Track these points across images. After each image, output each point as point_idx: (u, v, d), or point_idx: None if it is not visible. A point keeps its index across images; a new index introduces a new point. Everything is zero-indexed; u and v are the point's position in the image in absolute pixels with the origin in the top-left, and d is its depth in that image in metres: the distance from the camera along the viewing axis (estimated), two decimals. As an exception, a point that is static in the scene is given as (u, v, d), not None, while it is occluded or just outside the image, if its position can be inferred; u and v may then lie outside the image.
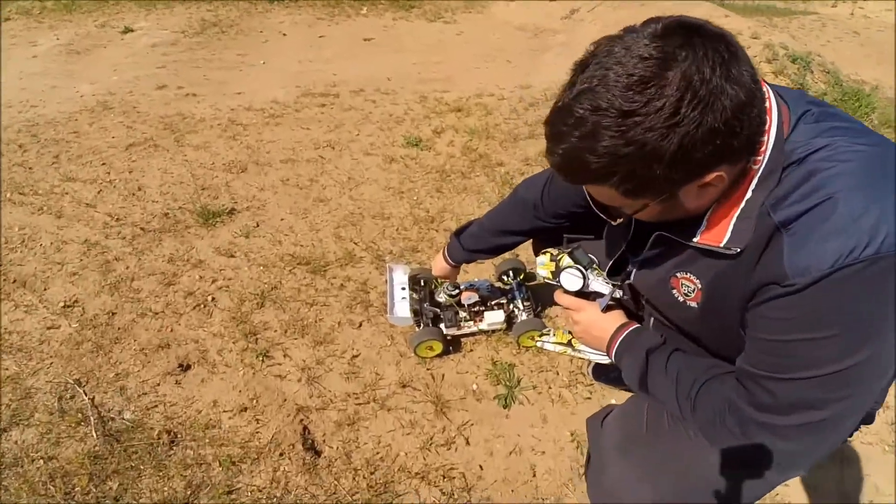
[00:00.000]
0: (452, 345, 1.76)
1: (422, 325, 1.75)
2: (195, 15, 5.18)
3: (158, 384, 1.69)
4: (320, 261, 2.13)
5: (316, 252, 2.18)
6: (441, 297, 1.81)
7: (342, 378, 1.69)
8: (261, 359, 1.74)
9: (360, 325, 1.88)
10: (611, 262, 1.13)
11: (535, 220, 1.37)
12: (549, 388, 1.68)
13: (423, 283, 1.84)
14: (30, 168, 2.78)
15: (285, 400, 1.63)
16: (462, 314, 1.77)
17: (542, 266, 1.23)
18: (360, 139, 3.01)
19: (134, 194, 2.56)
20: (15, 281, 2.04)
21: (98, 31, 4.89)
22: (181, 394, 1.66)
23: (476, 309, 1.78)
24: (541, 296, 1.94)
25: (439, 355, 1.74)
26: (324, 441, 1.52)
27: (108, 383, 1.68)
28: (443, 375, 1.71)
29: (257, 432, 1.54)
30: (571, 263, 1.18)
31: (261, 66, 4.25)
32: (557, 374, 1.73)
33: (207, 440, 1.52)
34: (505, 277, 1.93)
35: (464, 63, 4.19)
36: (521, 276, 1.92)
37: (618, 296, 1.14)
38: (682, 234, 0.84)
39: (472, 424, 1.57)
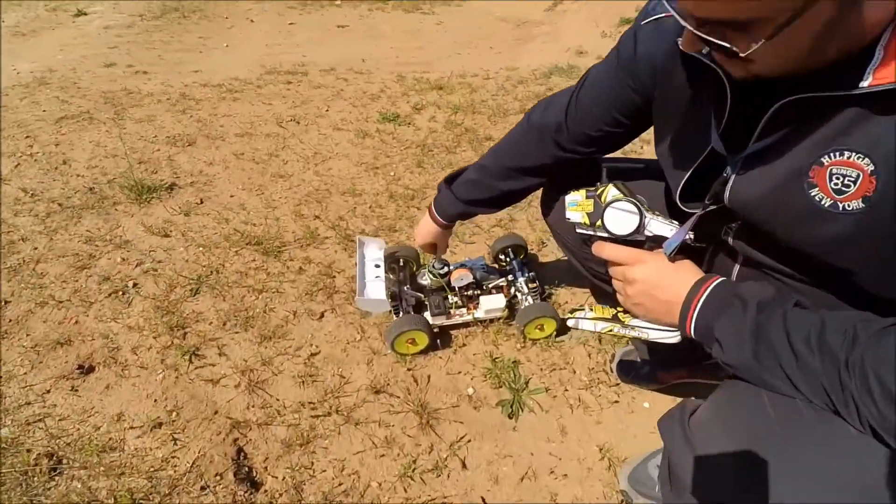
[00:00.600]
0: (440, 338, 1.34)
1: (401, 312, 1.32)
2: (156, 2, 4.70)
3: (48, 391, 1.21)
4: (275, 241, 1.69)
5: (270, 231, 1.74)
6: (425, 280, 1.38)
7: (295, 383, 1.25)
8: (187, 358, 1.28)
9: (322, 315, 1.44)
10: (680, 185, 0.75)
11: (555, 151, 0.98)
12: (566, 390, 1.27)
13: (401, 264, 1.42)
14: (-63, 140, 2.27)
15: (216, 412, 1.17)
16: (452, 299, 1.35)
17: (576, 207, 0.84)
18: (330, 115, 2.58)
19: (57, 168, 2.07)
20: None
21: (48, 14, 4.37)
22: (76, 404, 1.19)
23: (470, 293, 1.37)
24: (548, 275, 1.54)
25: (424, 351, 1.32)
26: (265, 468, 1.07)
27: None
28: (428, 377, 1.28)
29: (173, 456, 1.08)
30: (620, 195, 0.79)
31: (223, 48, 3.80)
32: (574, 371, 1.32)
33: (103, 468, 1.05)
34: (502, 257, 1.52)
35: (444, 49, 3.82)
36: (523, 256, 1.52)
37: (688, 238, 0.76)
38: (832, 85, 0.51)
39: (470, 441, 1.15)
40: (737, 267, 0.79)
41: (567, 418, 1.20)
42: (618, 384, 1.29)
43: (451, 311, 1.34)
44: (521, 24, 4.38)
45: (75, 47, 3.64)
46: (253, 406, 1.19)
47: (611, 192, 0.79)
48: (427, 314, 1.33)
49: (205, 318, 1.41)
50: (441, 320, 1.33)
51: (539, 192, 1.18)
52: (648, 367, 1.26)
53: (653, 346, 1.21)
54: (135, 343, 1.33)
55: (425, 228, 1.22)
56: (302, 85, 2.96)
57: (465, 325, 1.39)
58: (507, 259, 1.50)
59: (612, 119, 0.88)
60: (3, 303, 1.44)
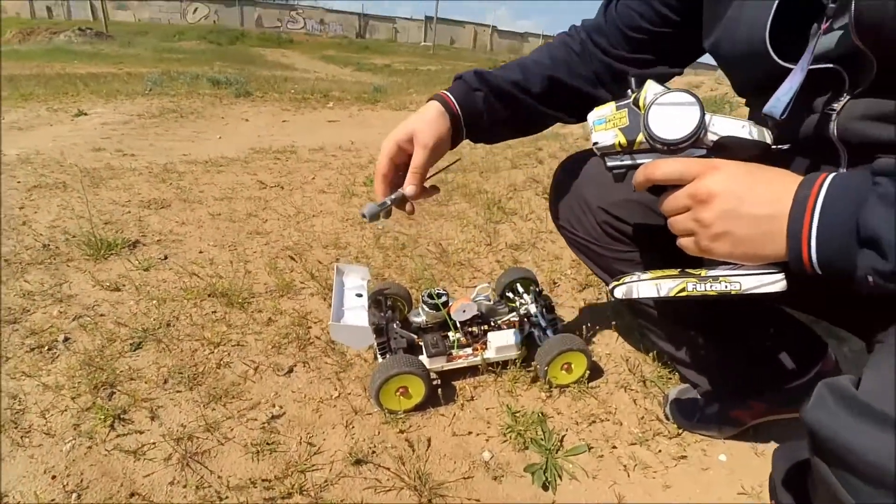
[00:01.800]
0: (441, 389, 1.02)
1: (388, 353, 1.01)
2: (156, 104, 4.81)
3: None
4: (243, 292, 1.40)
5: (238, 283, 1.45)
6: (419, 318, 1.09)
7: (246, 454, 0.89)
8: (109, 423, 0.93)
9: (291, 370, 1.11)
10: (769, 21, 0.54)
11: (594, 57, 0.79)
12: (614, 447, 0.93)
13: (389, 304, 1.14)
14: None
15: (132, 494, 0.80)
16: (454, 337, 1.05)
17: (603, 125, 0.60)
18: (316, 182, 2.43)
19: (15, 229, 1.81)
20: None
21: (49, 114, 4.40)
22: (-58, 490, 0.81)
23: (475, 329, 1.07)
24: (565, 319, 1.25)
25: (420, 406, 0.99)
26: (186, 581, 0.69)
27: None
28: (428, 441, 0.94)
29: (51, 569, 0.70)
30: (665, 89, 0.56)
31: (216, 140, 3.77)
32: (620, 423, 0.98)
33: None
34: (510, 295, 1.25)
35: (432, 134, 3.86)
36: (533, 291, 1.25)
37: (768, 140, 0.54)
38: None
39: (490, 524, 0.78)
40: (843, 165, 0.55)
41: (623, 484, 0.85)
42: (679, 433, 0.96)
43: (453, 351, 1.04)
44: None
45: (68, 138, 3.58)
46: (184, 485, 0.82)
47: (651, 88, 0.56)
48: (423, 357, 1.02)
49: (142, 374, 1.07)
50: (440, 363, 1.02)
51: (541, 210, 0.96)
52: (716, 404, 0.94)
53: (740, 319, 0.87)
54: (47, 404, 0.98)
55: (425, 118, 0.73)
56: (290, 161, 2.85)
57: (472, 370, 1.07)
58: (517, 295, 1.22)
59: (655, 13, 0.71)
60: None
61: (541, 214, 1.94)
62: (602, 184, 0.85)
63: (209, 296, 1.38)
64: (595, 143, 0.60)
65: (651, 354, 1.18)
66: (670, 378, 1.12)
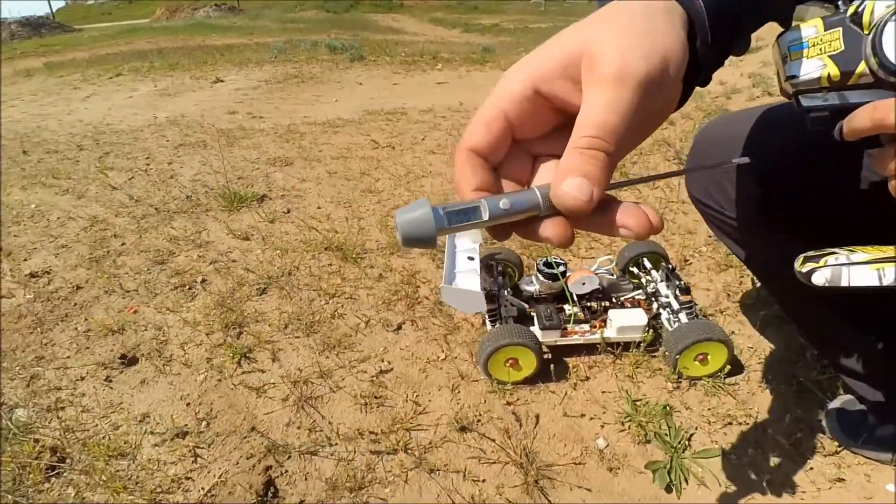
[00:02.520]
0: (553, 364, 0.95)
1: (499, 322, 0.96)
2: (280, 70, 5.15)
3: (82, 378, 1.00)
4: (356, 248, 1.43)
5: (352, 238, 1.49)
6: (532, 286, 1.02)
7: (355, 404, 0.91)
8: (236, 360, 1.01)
9: (400, 327, 1.11)
10: None
11: None
12: (753, 455, 0.79)
13: (500, 269, 1.08)
14: (76, 160, 2.43)
15: (252, 428, 0.86)
16: (571, 309, 0.97)
17: (805, 50, 0.44)
18: (426, 142, 2.42)
19: (164, 181, 2.06)
20: (0, 250, 1.53)
21: (192, 81, 4.93)
22: (105, 396, 0.96)
23: (594, 305, 0.98)
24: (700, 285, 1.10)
25: (530, 380, 0.93)
26: (300, 518, 0.73)
27: (22, 367, 1.04)
28: (537, 417, 0.88)
29: (187, 477, 0.78)
30: None
31: (333, 102, 3.95)
32: (764, 430, 0.84)
33: (105, 477, 0.78)
34: (634, 270, 1.12)
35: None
36: (662, 268, 1.10)
37: None
38: None
39: (606, 518, 0.72)
40: None
41: (762, 500, 0.72)
42: (838, 451, 0.79)
43: (569, 326, 0.95)
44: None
45: (207, 102, 3.98)
46: (299, 426, 0.86)
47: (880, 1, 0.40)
48: (535, 328, 0.95)
49: (266, 318, 1.14)
50: (554, 337, 0.95)
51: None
52: (891, 423, 0.76)
53: None
54: (186, 338, 1.09)
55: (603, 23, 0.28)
56: (400, 122, 2.87)
57: (588, 348, 0.98)
58: (643, 271, 1.09)
59: None
60: (76, 287, 1.32)
61: (671, 182, 1.73)
62: (762, 149, 0.69)
63: (326, 249, 1.43)
64: (790, 77, 0.44)
65: (808, 354, 0.99)
66: (831, 384, 0.93)
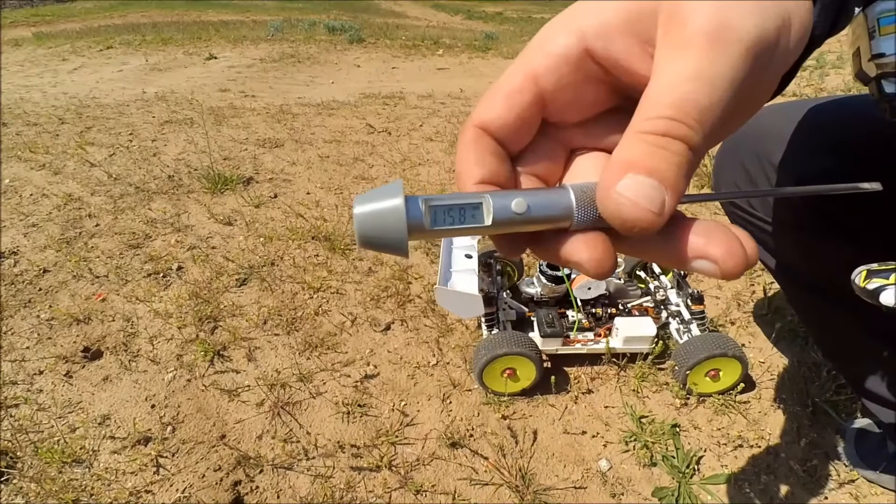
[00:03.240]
0: (553, 374, 0.87)
1: (496, 327, 0.88)
2: (276, 49, 4.99)
3: (40, 372, 0.92)
4: (346, 238, 1.35)
5: (342, 228, 1.41)
6: (532, 288, 0.95)
7: (336, 413, 0.83)
8: (209, 358, 0.93)
9: (388, 327, 1.03)
10: None
11: None
12: (764, 482, 0.73)
13: (499, 268, 1.00)
14: (56, 134, 2.30)
15: (222, 436, 0.78)
16: (575, 316, 0.89)
17: None
18: (424, 129, 2.32)
19: (147, 159, 1.95)
20: None
21: (185, 57, 4.77)
22: (64, 394, 0.87)
23: (600, 311, 0.90)
24: (710, 310, 1.03)
25: (528, 391, 0.86)
26: (268, 544, 0.65)
27: None
28: (535, 434, 0.81)
29: (147, 490, 0.70)
30: None
31: (329, 84, 3.82)
32: (776, 453, 0.77)
33: (57, 487, 0.70)
34: (641, 274, 1.04)
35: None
36: (672, 274, 1.03)
37: None
38: None
39: (608, 554, 0.65)
40: None
41: (786, 538, 0.66)
42: (855, 479, 0.73)
43: (572, 333, 0.88)
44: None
45: (199, 79, 3.84)
46: (273, 436, 0.78)
47: None
48: (534, 335, 0.88)
49: (244, 312, 1.06)
50: (555, 345, 0.87)
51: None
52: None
53: None
54: (155, 331, 1.00)
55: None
56: (398, 106, 2.77)
57: (591, 358, 0.91)
58: (651, 276, 1.02)
59: None
60: (43, 271, 1.23)
61: (677, 182, 1.65)
62: (804, 147, 0.61)
63: (313, 238, 1.34)
64: (878, 56, 0.37)
65: (825, 371, 0.92)
66: (847, 405, 0.87)
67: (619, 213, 0.16)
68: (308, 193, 1.66)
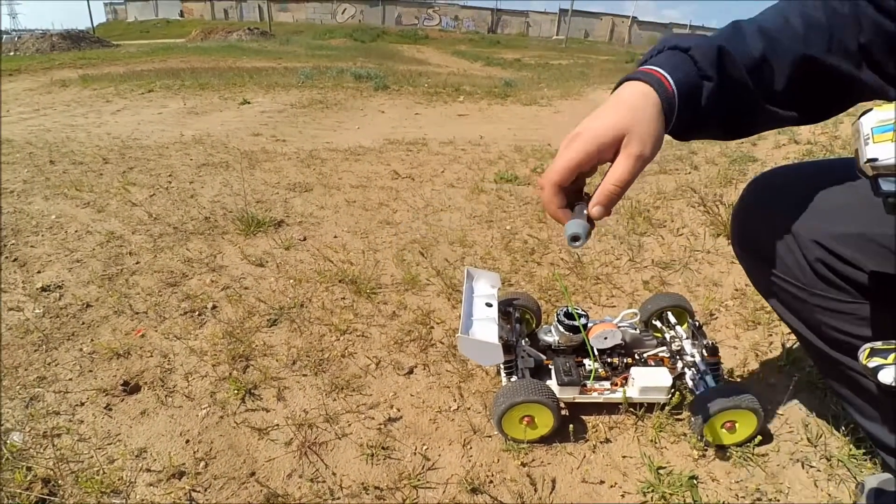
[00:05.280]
0: (571, 423, 0.90)
1: (514, 374, 0.92)
2: (306, 95, 5.27)
3: (82, 403, 0.98)
4: (371, 282, 1.41)
5: (367, 272, 1.47)
6: (550, 336, 0.98)
7: (361, 454, 0.87)
8: (240, 396, 0.98)
9: (411, 371, 1.08)
10: None
11: (866, 17, 0.51)
12: (791, 542, 0.74)
13: (517, 316, 1.05)
14: (100, 173, 2.47)
15: (252, 474, 0.82)
16: (591, 365, 0.92)
17: (891, 133, 0.42)
18: (445, 175, 2.42)
19: (185, 200, 2.08)
20: (16, 260, 1.58)
21: (220, 101, 5.06)
22: (103, 426, 0.93)
23: (616, 361, 0.93)
24: (725, 363, 1.05)
25: (546, 439, 0.88)
26: (296, 582, 0.68)
27: (23, 387, 1.02)
28: (553, 482, 0.83)
29: (181, 531, 0.74)
30: None
31: (355, 130, 4.01)
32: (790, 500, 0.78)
33: (96, 522, 0.74)
34: (657, 324, 1.08)
35: (563, 129, 3.65)
36: (687, 325, 1.06)
37: None
38: None
39: None
40: None
41: None
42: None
43: (588, 382, 0.91)
44: (644, 115, 4.16)
45: (233, 123, 4.07)
46: (301, 475, 0.82)
47: None
48: (552, 382, 0.91)
49: (274, 352, 1.12)
50: (572, 394, 0.90)
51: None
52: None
53: None
54: (191, 368, 1.07)
55: (631, 112, 0.51)
56: (421, 153, 2.89)
57: (608, 407, 0.93)
58: (667, 325, 1.05)
59: None
60: (86, 305, 1.31)
61: (695, 229, 1.69)
62: (821, 211, 0.65)
63: (340, 281, 1.41)
64: (872, 160, 0.43)
65: (843, 425, 0.92)
66: (866, 460, 0.87)
67: (593, 215, 0.53)
68: (335, 237, 1.74)
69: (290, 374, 1.05)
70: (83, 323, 1.25)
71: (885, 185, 0.42)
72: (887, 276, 0.60)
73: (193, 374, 1.05)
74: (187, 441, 0.89)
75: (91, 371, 1.07)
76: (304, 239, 1.73)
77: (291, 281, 1.43)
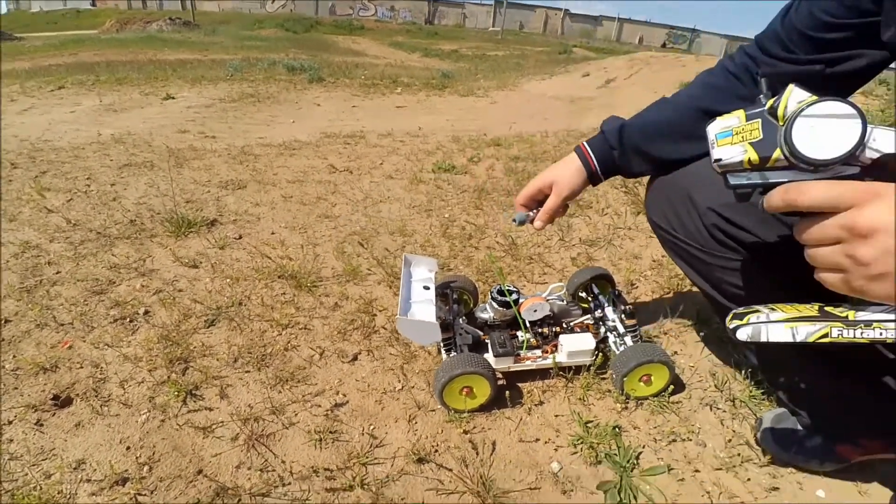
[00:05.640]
0: (508, 390, 0.96)
1: (453, 350, 0.97)
2: (236, 88, 5.06)
3: (9, 422, 0.93)
4: (311, 275, 1.41)
5: (308, 266, 1.47)
6: (486, 313, 1.04)
7: (309, 440, 0.89)
8: (181, 398, 0.96)
9: (356, 358, 1.10)
10: None
11: (762, 66, 0.73)
12: (696, 470, 0.83)
13: (456, 297, 1.10)
14: (9, 180, 2.26)
15: (199, 472, 0.82)
16: (523, 336, 0.99)
17: (729, 138, 0.51)
18: (384, 167, 2.43)
19: (106, 204, 1.96)
20: None
21: (141, 97, 4.76)
22: (36, 442, 0.88)
23: (546, 331, 1.01)
24: (645, 323, 1.16)
25: (485, 407, 0.94)
26: (249, 565, 0.70)
27: None
28: (493, 445, 0.89)
29: (127, 534, 0.73)
30: (813, 97, 0.46)
31: (289, 124, 3.91)
32: (704, 444, 0.89)
33: (35, 540, 0.72)
34: (583, 295, 1.17)
35: (499, 120, 3.76)
36: (608, 294, 1.15)
37: None
38: None
39: (559, 545, 0.73)
40: None
41: (709, 517, 0.76)
42: (771, 463, 0.85)
43: (522, 352, 0.98)
44: (574, 100, 4.33)
45: (157, 120, 3.84)
46: (249, 467, 0.83)
47: (795, 95, 0.46)
48: (488, 356, 0.97)
49: (214, 352, 1.10)
50: (507, 364, 0.97)
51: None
52: (820, 438, 0.82)
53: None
54: (126, 375, 1.03)
55: (562, 168, 0.88)
56: (359, 146, 2.88)
57: (541, 373, 1.01)
58: (591, 296, 1.14)
59: (844, 7, 0.62)
60: (3, 321, 1.22)
61: (618, 209, 1.82)
62: (715, 182, 0.75)
63: (279, 277, 1.40)
64: (718, 160, 0.51)
65: (743, 370, 1.05)
66: (764, 399, 1.00)
67: (535, 226, 0.91)
68: (273, 233, 1.72)
69: (232, 371, 1.05)
70: (2, 340, 1.17)
71: (733, 180, 0.51)
72: (766, 233, 0.71)
73: (129, 381, 1.02)
74: (128, 448, 0.87)
75: (17, 388, 1.01)
76: (240, 237, 1.69)
77: (228, 280, 1.41)
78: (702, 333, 1.11)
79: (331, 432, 0.91)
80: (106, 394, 0.99)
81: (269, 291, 1.35)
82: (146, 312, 1.25)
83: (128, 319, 1.23)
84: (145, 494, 0.79)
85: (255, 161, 2.53)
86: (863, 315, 0.45)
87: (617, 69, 5.94)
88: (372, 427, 0.92)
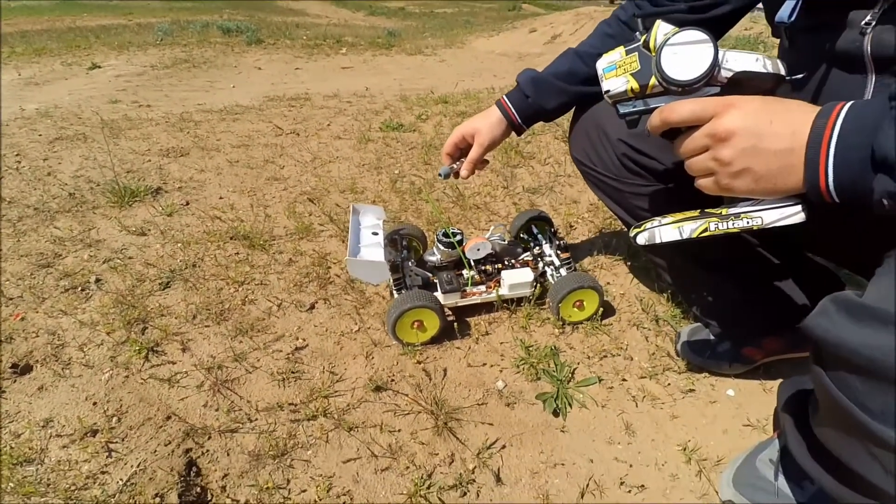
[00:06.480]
0: (457, 325, 1.05)
1: (404, 290, 1.04)
2: (168, 54, 4.76)
3: None
4: (263, 235, 1.43)
5: (260, 227, 1.49)
6: (434, 256, 1.11)
7: (273, 381, 0.95)
8: (143, 355, 0.99)
9: (313, 306, 1.15)
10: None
11: (645, 15, 0.83)
12: (623, 380, 0.95)
13: (404, 243, 1.16)
14: (-76, 164, 2.09)
15: (168, 417, 0.87)
16: (468, 273, 1.07)
17: (614, 72, 0.59)
18: (331, 128, 2.41)
19: (41, 179, 1.87)
20: None
21: (64, 68, 4.41)
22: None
23: (489, 268, 1.09)
24: (582, 262, 1.26)
25: (436, 340, 1.02)
26: (223, 488, 0.76)
27: None
28: (444, 371, 0.98)
29: (103, 472, 0.77)
30: (675, 28, 0.55)
31: (230, 89, 3.74)
32: (631, 358, 1.01)
33: (14, 483, 0.75)
34: (524, 236, 1.25)
35: (448, 78, 3.74)
36: (546, 232, 1.24)
37: (782, 72, 0.55)
38: None
39: (504, 447, 0.83)
40: (870, 84, 0.54)
41: (632, 413, 0.88)
42: (689, 369, 0.98)
43: (467, 288, 1.06)
44: (522, 57, 4.34)
45: (84, 91, 3.59)
46: (216, 409, 0.88)
47: (661, 28, 0.54)
48: (437, 293, 1.04)
49: (172, 311, 1.12)
50: (455, 299, 1.05)
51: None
52: (728, 342, 0.95)
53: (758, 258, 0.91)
54: (84, 339, 1.04)
55: (483, 119, 0.95)
56: (304, 108, 2.82)
57: (487, 307, 1.10)
58: (531, 236, 1.22)
59: None
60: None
61: (559, 158, 1.90)
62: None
63: (231, 238, 1.41)
64: (606, 92, 0.58)
65: (665, 295, 1.18)
66: (683, 318, 1.13)
67: (461, 174, 0.98)
68: (221, 198, 1.70)
69: (191, 327, 1.08)
70: (-55, 317, 1.14)
71: (622, 109, 0.58)
72: (666, 158, 0.80)
73: (88, 345, 1.03)
74: (94, 403, 0.90)
75: (-31, 361, 1.01)
76: (188, 203, 1.67)
77: (179, 245, 1.40)
78: (629, 264, 1.23)
79: (293, 373, 0.96)
80: (66, 358, 1.00)
81: (222, 252, 1.36)
82: (98, 280, 1.25)
83: (79, 288, 1.22)
84: (116, 442, 0.83)
85: (195, 128, 2.44)
86: (734, 209, 0.55)
87: (563, 24, 5.96)
88: (332, 365, 0.99)
